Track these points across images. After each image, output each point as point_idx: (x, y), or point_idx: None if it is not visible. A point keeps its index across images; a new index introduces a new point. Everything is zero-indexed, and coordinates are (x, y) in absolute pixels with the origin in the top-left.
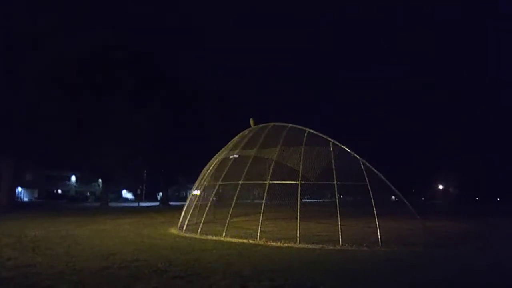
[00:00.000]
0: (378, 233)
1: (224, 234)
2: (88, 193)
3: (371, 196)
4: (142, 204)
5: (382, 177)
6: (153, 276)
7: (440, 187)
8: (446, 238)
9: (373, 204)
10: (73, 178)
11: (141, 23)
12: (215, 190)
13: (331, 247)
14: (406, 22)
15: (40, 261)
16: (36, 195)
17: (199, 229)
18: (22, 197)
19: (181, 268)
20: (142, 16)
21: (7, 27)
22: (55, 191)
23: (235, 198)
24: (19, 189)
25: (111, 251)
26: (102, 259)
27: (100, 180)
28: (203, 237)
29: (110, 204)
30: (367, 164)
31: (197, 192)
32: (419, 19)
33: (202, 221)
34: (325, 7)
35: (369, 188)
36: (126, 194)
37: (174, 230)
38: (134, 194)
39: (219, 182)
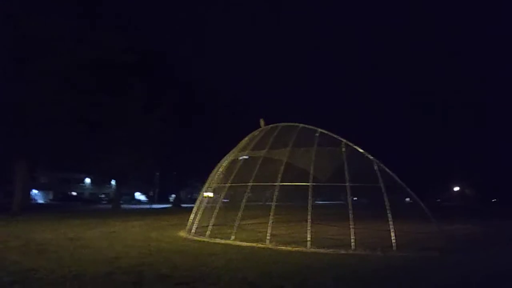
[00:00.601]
0: (393, 237)
1: (233, 237)
2: (102, 195)
3: (385, 198)
4: (155, 206)
5: (397, 178)
6: (156, 281)
7: (456, 188)
8: (463, 242)
9: (387, 207)
10: (87, 180)
11: (150, 25)
12: (224, 192)
13: (343, 252)
14: (410, 21)
15: (44, 265)
16: (51, 197)
17: (208, 232)
18: (36, 199)
19: (186, 274)
20: (152, 18)
21: (18, 30)
22: (69, 193)
23: (244, 200)
24: (34, 191)
25: (117, 255)
26: (106, 263)
27: (113, 182)
28: (212, 240)
29: (122, 206)
30: (381, 165)
31: (207, 194)
32: (423, 18)
33: (211, 224)
34: (331, 6)
35: (383, 190)
36: (139, 196)
37: (183, 233)
38: (147, 196)
39: (228, 184)
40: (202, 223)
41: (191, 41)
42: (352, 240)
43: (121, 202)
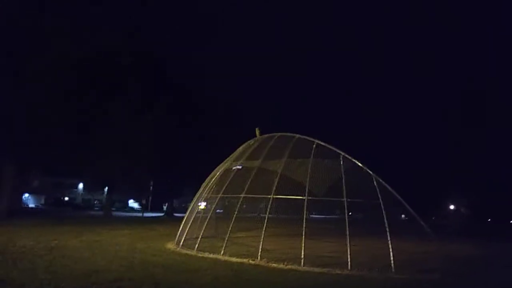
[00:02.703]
0: (391, 256)
1: (222, 252)
2: (95, 201)
3: (384, 215)
4: (147, 214)
5: (396, 195)
6: None
7: (451, 207)
8: (462, 264)
9: (386, 224)
10: (80, 185)
11: (146, 26)
12: (216, 202)
13: (339, 271)
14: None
15: (14, 277)
16: (42, 202)
17: (197, 245)
18: (28, 203)
19: None
20: (147, 18)
21: (11, 27)
22: (62, 198)
23: (235, 212)
24: (26, 195)
25: (97, 268)
26: (83, 277)
27: (106, 188)
28: (200, 254)
29: (115, 213)
30: (380, 180)
31: (200, 204)
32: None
33: (201, 236)
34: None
35: (383, 207)
36: (132, 203)
37: (171, 245)
38: (140, 204)
39: (220, 195)
40: (192, 234)
41: (187, 42)
42: (348, 259)
43: (113, 209)
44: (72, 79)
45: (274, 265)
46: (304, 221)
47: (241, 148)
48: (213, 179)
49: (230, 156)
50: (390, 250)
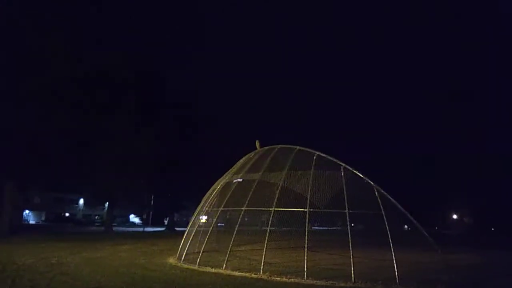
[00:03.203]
0: (395, 268)
1: (224, 266)
2: (96, 217)
3: (386, 226)
4: (148, 229)
5: (398, 206)
6: None
7: (454, 216)
8: (466, 274)
9: (389, 235)
10: (81, 201)
11: (145, 43)
12: (217, 216)
13: (342, 284)
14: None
15: None
16: (43, 218)
17: (198, 259)
18: (28, 219)
19: None
20: (147, 36)
21: (12, 44)
22: (62, 214)
23: (237, 225)
24: (27, 211)
25: (98, 284)
26: None
27: (107, 204)
28: (202, 268)
29: (116, 228)
30: (382, 191)
31: (201, 218)
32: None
33: (203, 250)
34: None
35: (385, 218)
36: (133, 218)
37: (172, 260)
38: (141, 219)
39: (221, 208)
40: (193, 249)
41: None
42: (352, 271)
43: (114, 224)
44: (70, 95)
45: (277, 278)
46: (306, 233)
47: (241, 160)
48: (214, 193)
49: (231, 169)
50: (394, 261)
